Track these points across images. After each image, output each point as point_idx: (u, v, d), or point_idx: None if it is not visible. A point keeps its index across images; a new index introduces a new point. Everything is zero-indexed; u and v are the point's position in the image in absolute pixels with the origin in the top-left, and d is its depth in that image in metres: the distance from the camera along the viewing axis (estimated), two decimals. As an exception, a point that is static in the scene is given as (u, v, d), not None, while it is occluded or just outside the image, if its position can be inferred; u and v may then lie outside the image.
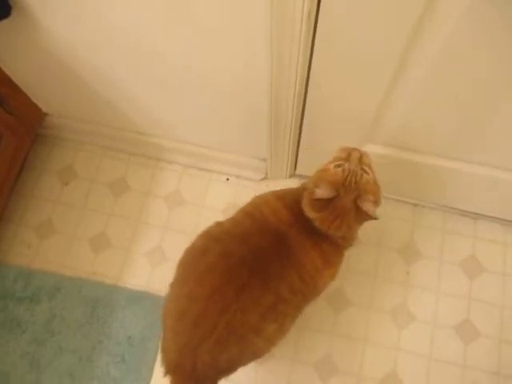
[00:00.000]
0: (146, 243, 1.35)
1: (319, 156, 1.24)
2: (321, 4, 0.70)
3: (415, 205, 1.36)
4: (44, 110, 1.36)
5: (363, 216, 0.85)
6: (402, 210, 1.36)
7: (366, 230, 1.31)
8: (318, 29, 0.76)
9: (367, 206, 0.83)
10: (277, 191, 0.98)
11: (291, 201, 0.91)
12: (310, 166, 1.32)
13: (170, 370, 0.83)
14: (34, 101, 1.31)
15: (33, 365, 1.22)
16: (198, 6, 0.78)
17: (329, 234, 0.87)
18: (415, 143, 1.07)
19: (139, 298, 1.29)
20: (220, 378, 0.89)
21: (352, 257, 1.30)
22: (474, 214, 1.34)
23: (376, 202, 0.86)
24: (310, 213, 0.87)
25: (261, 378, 1.21)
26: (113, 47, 0.97)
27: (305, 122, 1.07)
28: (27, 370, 1.21)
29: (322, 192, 0.83)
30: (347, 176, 0.85)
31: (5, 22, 0.91)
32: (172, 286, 0.91)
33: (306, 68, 0.87)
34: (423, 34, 0.72)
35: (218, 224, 0.94)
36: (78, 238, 1.36)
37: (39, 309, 1.27)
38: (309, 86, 0.92)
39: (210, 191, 1.41)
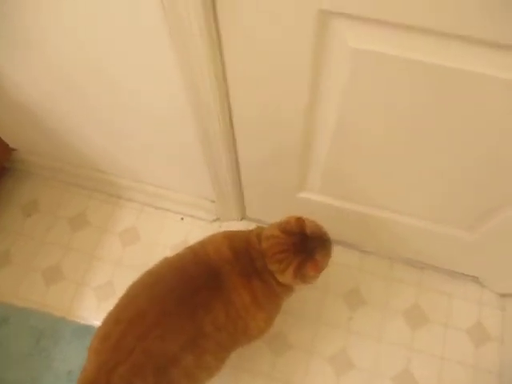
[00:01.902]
0: (97, 278, 1.39)
1: (265, 200, 1.29)
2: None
3: (363, 251, 1.39)
4: (11, 145, 1.44)
5: (307, 267, 0.87)
6: (349, 256, 1.39)
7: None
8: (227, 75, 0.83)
9: (319, 257, 0.88)
10: (228, 231, 1.02)
11: (238, 241, 0.96)
12: (258, 209, 1.38)
13: None
14: (2, 137, 1.39)
15: (-29, 394, 1.23)
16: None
17: (264, 269, 0.91)
18: (346, 192, 1.12)
19: (84, 331, 1.31)
20: None
21: (295, 299, 1.31)
22: (421, 263, 1.36)
23: (321, 268, 0.90)
24: (271, 229, 0.91)
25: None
26: (64, 94, 1.05)
27: (240, 165, 1.13)
28: (-36, 400, 1.22)
29: (307, 224, 0.89)
30: (324, 235, 0.91)
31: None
32: (114, 306, 0.95)
33: (227, 118, 0.93)
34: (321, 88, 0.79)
35: (165, 259, 0.99)
36: (32, 269, 1.40)
37: (-16, 338, 1.29)
38: (235, 135, 0.99)
39: (165, 230, 1.45)
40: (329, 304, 1.33)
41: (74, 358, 1.27)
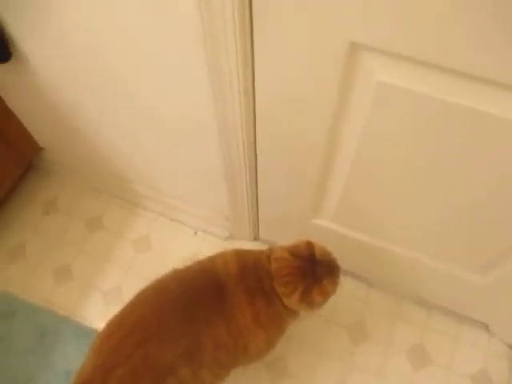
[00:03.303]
0: (106, 282, 1.41)
1: (279, 223, 1.30)
2: (255, 84, 0.80)
3: (371, 285, 1.38)
4: (40, 144, 1.49)
5: (313, 293, 0.87)
6: (357, 288, 1.38)
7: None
8: (256, 107, 0.86)
9: (327, 283, 0.88)
10: (239, 249, 1.02)
11: (247, 259, 0.96)
12: (272, 231, 1.39)
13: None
14: (33, 135, 1.44)
15: (-31, 383, 1.24)
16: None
17: (272, 290, 0.90)
18: (360, 223, 1.12)
19: (87, 334, 1.32)
20: None
21: (299, 325, 1.31)
22: (430, 303, 1.34)
23: (328, 295, 0.90)
24: (281, 251, 0.90)
25: None
26: (92, 100, 1.10)
27: (259, 187, 1.15)
28: (-38, 387, 1.24)
29: (317, 248, 0.89)
30: (333, 261, 0.92)
31: (5, 64, 1.05)
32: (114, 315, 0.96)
33: (251, 141, 0.96)
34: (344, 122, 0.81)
35: (174, 270, 1.00)
36: (44, 265, 1.43)
37: (-10, 328, 1.32)
38: (257, 156, 1.01)
39: (177, 242, 1.47)
40: (332, 335, 1.32)
41: (74, 359, 1.27)
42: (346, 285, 1.38)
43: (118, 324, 0.91)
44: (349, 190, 0.99)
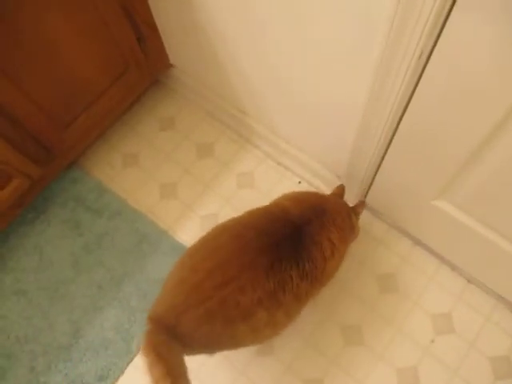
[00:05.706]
0: (205, 207, 1.45)
1: (393, 193, 1.24)
2: (434, 49, 0.72)
3: (469, 281, 1.30)
4: (171, 61, 1.51)
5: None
6: (453, 280, 1.31)
7: (410, 283, 1.29)
8: (425, 72, 0.78)
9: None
10: (294, 191, 1.14)
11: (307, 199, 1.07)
12: (380, 200, 1.33)
13: (153, 319, 0.88)
14: (167, 50, 1.46)
15: (75, 265, 1.37)
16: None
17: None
18: (490, 218, 1.03)
19: (180, 251, 1.38)
20: (196, 351, 0.93)
21: (383, 302, 1.29)
22: (529, 317, 1.25)
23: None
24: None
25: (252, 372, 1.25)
26: (242, 27, 1.07)
27: (387, 157, 1.08)
28: (69, 267, 1.37)
29: None
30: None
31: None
32: (185, 254, 0.99)
33: (402, 106, 0.89)
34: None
35: (248, 212, 1.04)
36: (153, 178, 1.50)
37: (99, 222, 1.43)
38: (400, 125, 0.94)
39: (280, 187, 1.46)
40: (415, 318, 1.28)
41: (165, 271, 1.35)
42: (443, 274, 1.31)
43: (191, 269, 0.92)
44: (493, 185, 0.91)
